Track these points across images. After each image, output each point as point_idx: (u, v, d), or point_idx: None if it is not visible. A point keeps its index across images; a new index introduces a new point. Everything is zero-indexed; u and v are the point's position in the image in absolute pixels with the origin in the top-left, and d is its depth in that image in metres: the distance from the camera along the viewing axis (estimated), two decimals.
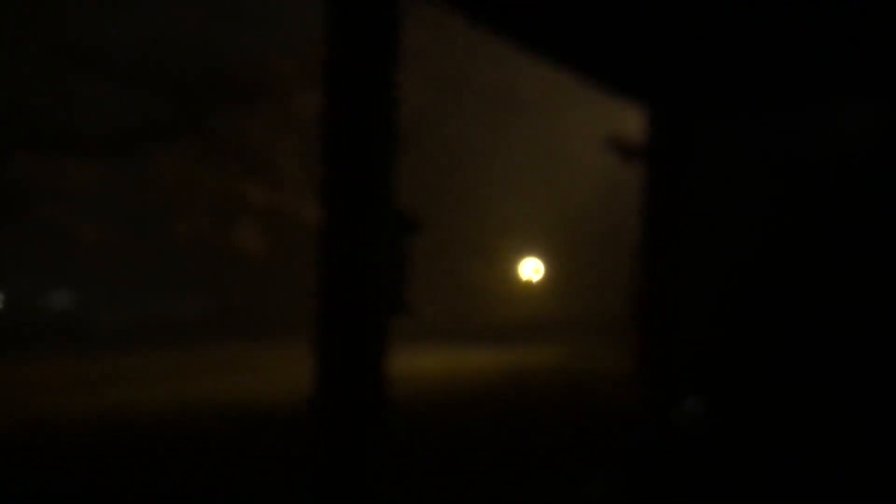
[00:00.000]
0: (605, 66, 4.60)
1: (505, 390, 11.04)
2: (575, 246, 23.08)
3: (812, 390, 4.92)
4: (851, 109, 4.90)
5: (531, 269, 25.42)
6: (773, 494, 4.47)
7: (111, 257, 21.04)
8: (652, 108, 5.38)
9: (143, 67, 18.40)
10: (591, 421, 7.42)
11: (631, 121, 5.59)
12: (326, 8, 3.04)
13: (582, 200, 22.43)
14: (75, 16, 17.65)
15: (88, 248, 20.57)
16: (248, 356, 15.48)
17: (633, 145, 5.57)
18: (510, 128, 23.11)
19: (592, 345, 16.40)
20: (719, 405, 5.06)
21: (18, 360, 14.66)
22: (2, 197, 18.55)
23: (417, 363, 12.99)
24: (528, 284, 25.49)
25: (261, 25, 18.35)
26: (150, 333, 19.82)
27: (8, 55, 16.85)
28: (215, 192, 20.96)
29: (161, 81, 18.66)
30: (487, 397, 10.23)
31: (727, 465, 4.81)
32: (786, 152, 5.09)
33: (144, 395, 10.28)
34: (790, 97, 5.08)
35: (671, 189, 5.48)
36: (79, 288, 22.05)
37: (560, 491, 4.89)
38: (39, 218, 19.31)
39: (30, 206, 19.31)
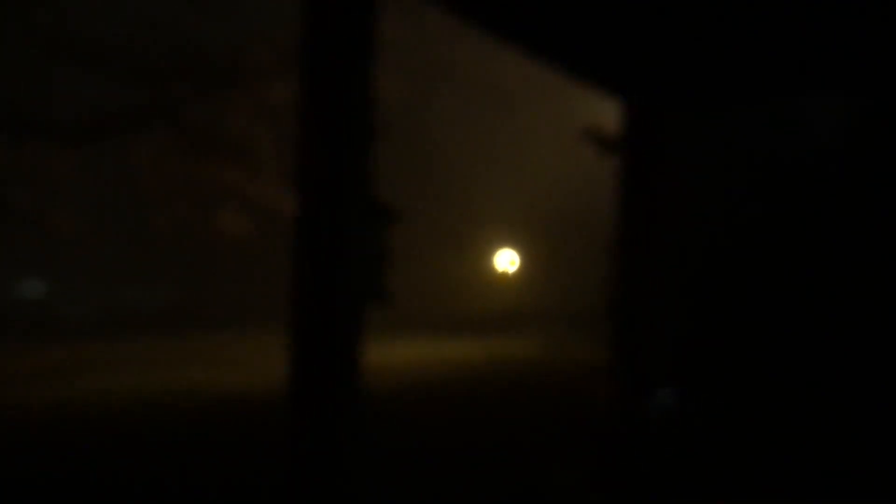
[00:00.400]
0: (580, 57, 4.62)
1: (479, 382, 11.08)
2: (551, 237, 23.17)
3: (788, 382, 4.99)
4: (825, 103, 4.97)
5: (507, 260, 25.51)
6: (747, 487, 4.53)
7: (87, 246, 20.80)
8: (627, 100, 5.42)
9: (119, 55, 18.15)
10: (565, 413, 7.47)
11: (609, 113, 5.63)
12: None
13: (558, 192, 22.50)
14: (49, 2, 17.36)
15: (63, 237, 20.32)
16: (225, 345, 15.41)
17: (610, 137, 5.61)
18: (488, 119, 23.13)
19: (567, 336, 16.50)
20: (693, 397, 5.12)
21: None
22: None
23: (393, 354, 12.99)
24: (504, 276, 25.58)
25: (236, 13, 18.18)
26: (125, 323, 19.65)
27: None
28: (192, 180, 20.78)
29: (137, 69, 18.42)
30: (462, 389, 10.26)
31: (700, 457, 4.87)
32: (760, 145, 5.15)
33: (116, 385, 10.20)
34: (765, 90, 5.14)
35: (646, 182, 5.52)
36: (53, 277, 21.79)
37: (532, 483, 4.92)
38: (13, 206, 19.04)
39: (3, 194, 19.04)
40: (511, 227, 24.72)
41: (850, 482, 4.26)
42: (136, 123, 19.46)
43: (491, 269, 25.69)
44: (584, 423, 6.13)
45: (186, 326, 18.73)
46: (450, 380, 11.26)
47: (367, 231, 3.13)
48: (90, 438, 6.69)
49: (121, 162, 20.03)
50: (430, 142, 22.61)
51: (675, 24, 4.00)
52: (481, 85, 22.44)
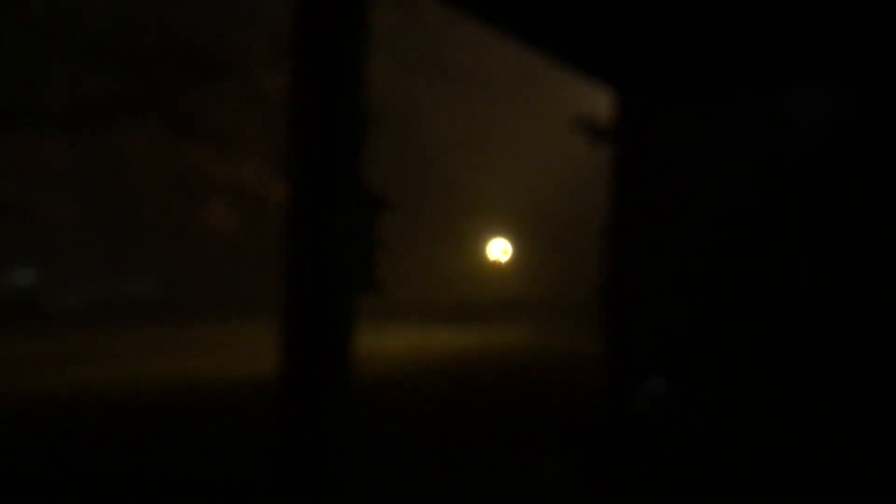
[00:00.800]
0: (575, 48, 4.62)
1: (470, 371, 11.11)
2: (543, 227, 23.21)
3: (774, 373, 5.01)
4: (812, 96, 4.98)
5: (499, 250, 25.53)
6: (731, 475, 4.55)
7: (77, 235, 20.73)
8: (620, 91, 5.42)
9: (110, 43, 18.03)
10: (555, 401, 7.50)
11: (600, 103, 5.63)
12: None
13: (551, 182, 22.53)
14: None
15: (53, 225, 20.25)
16: (216, 334, 15.39)
17: (602, 127, 5.62)
18: (480, 109, 23.11)
19: (560, 325, 16.54)
20: (681, 386, 5.15)
21: None
22: None
23: (385, 342, 13.01)
24: (497, 265, 25.61)
25: (228, 3, 18.08)
26: (115, 312, 19.60)
27: None
28: (182, 169, 20.72)
29: (127, 58, 18.30)
30: (451, 378, 10.29)
31: (687, 445, 4.89)
32: (753, 140, 5.17)
33: (107, 374, 10.19)
34: (757, 85, 5.15)
35: (637, 172, 5.53)
36: (43, 266, 21.71)
37: (519, 471, 4.94)
38: (1, 195, 18.94)
39: None
40: (504, 216, 24.75)
41: (850, 482, 4.22)
42: (125, 112, 19.35)
43: (483, 259, 25.73)
44: (574, 413, 6.15)
45: (177, 316, 18.69)
46: (440, 368, 11.29)
47: (358, 221, 3.14)
48: (81, 428, 6.69)
49: (110, 151, 19.94)
50: (422, 132, 22.58)
51: (669, 18, 4.01)
52: (473, 75, 22.42)
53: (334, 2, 2.96)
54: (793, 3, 3.75)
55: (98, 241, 21.13)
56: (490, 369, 11.22)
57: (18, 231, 19.91)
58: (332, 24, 2.95)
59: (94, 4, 17.56)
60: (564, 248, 21.03)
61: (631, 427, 5.10)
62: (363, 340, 3.40)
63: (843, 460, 4.41)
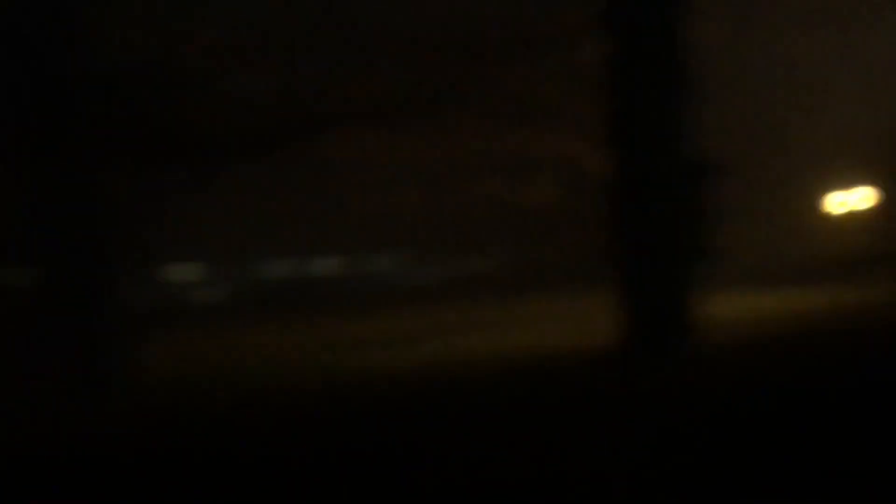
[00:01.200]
0: None
1: (815, 336, 10.05)
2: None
3: None
4: None
5: (857, 198, 22.91)
6: None
7: (422, 220, 22.69)
8: None
9: (427, 37, 19.10)
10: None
11: None
12: None
13: None
14: None
15: (403, 212, 22.40)
16: (552, 307, 15.92)
17: None
18: (820, 41, 20.88)
19: None
20: None
21: (341, 319, 16.54)
22: (318, 171, 20.70)
23: (730, 308, 12.35)
24: (854, 216, 23.03)
25: None
26: (461, 288, 21.24)
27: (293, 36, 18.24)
28: (508, 149, 21.54)
29: (443, 48, 19.25)
30: (796, 343, 9.39)
31: None
32: None
33: (465, 347, 10.95)
34: None
35: None
36: (396, 249, 24.26)
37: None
38: (350, 188, 21.39)
39: (342, 177, 21.39)
40: (862, 158, 22.11)
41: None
42: (450, 100, 20.45)
43: (840, 210, 23.31)
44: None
45: (514, 291, 19.65)
46: (783, 335, 10.39)
47: (690, 187, 2.98)
48: (449, 404, 6.96)
49: (441, 140, 21.36)
50: (752, 84, 20.98)
51: None
52: (795, 16, 20.31)
53: None
54: None
55: (442, 224, 22.96)
56: (841, 334, 10.06)
57: (375, 219, 22.34)
58: None
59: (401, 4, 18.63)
60: None
61: None
62: (709, 306, 3.20)
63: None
